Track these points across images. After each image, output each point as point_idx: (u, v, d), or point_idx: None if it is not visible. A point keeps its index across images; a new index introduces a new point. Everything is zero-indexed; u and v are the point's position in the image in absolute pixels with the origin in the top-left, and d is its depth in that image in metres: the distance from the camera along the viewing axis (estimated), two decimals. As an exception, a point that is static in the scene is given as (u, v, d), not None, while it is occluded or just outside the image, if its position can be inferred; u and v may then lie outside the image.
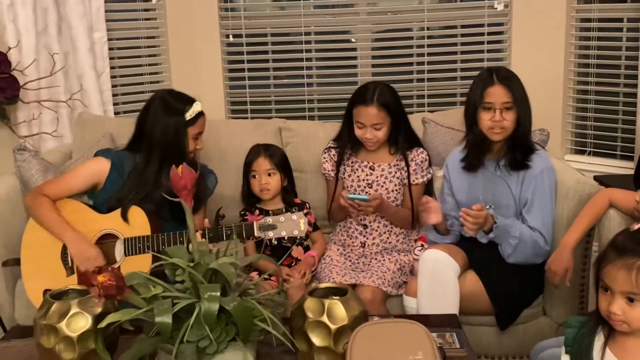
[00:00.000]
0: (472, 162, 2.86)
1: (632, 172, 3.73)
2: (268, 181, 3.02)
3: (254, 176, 3.04)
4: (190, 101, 2.79)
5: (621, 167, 3.90)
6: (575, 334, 1.83)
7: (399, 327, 1.77)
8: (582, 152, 4.12)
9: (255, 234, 2.48)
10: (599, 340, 1.78)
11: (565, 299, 2.77)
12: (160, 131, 2.74)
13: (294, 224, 2.43)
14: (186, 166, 1.90)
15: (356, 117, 2.97)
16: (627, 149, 3.90)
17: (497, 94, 2.71)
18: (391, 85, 3.05)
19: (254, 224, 2.48)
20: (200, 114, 2.81)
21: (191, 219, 1.95)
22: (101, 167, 2.81)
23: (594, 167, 3.87)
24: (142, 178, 2.75)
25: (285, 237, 2.47)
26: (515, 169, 2.78)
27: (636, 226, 1.73)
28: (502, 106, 2.70)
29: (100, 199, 2.80)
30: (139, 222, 2.68)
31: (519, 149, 2.76)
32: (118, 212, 2.70)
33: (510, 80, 2.74)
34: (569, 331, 1.84)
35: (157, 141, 2.74)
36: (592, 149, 4.08)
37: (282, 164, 3.07)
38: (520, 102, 2.72)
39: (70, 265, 2.68)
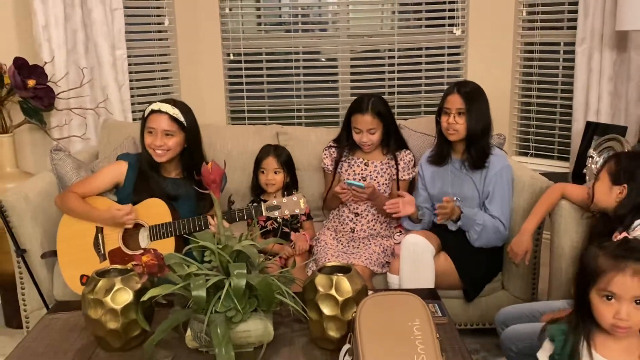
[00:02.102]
0: (439, 157, 2.88)
1: (567, 170, 3.80)
2: (274, 177, 3.01)
3: (262, 172, 3.03)
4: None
5: (558, 167, 3.96)
6: (563, 345, 1.62)
7: (398, 298, 1.76)
8: (525, 154, 4.17)
9: (264, 214, 2.47)
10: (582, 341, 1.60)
11: (521, 276, 2.80)
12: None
13: (295, 204, 2.44)
14: (215, 163, 1.89)
15: (354, 124, 2.96)
16: (563, 151, 3.96)
17: (453, 101, 2.75)
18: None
19: (262, 205, 2.48)
20: (151, 112, 2.71)
21: (219, 209, 1.93)
22: (120, 169, 2.78)
23: (535, 167, 3.90)
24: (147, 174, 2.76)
25: (289, 216, 2.46)
26: (475, 169, 2.80)
27: (620, 235, 1.61)
28: (456, 111, 2.74)
29: (122, 195, 2.77)
30: (160, 211, 2.65)
31: (474, 150, 2.78)
32: (141, 204, 2.67)
33: (469, 92, 2.75)
34: (556, 342, 1.64)
35: None
36: (533, 151, 4.13)
37: (287, 164, 3.07)
38: (473, 110, 2.73)
39: (102, 252, 2.63)
